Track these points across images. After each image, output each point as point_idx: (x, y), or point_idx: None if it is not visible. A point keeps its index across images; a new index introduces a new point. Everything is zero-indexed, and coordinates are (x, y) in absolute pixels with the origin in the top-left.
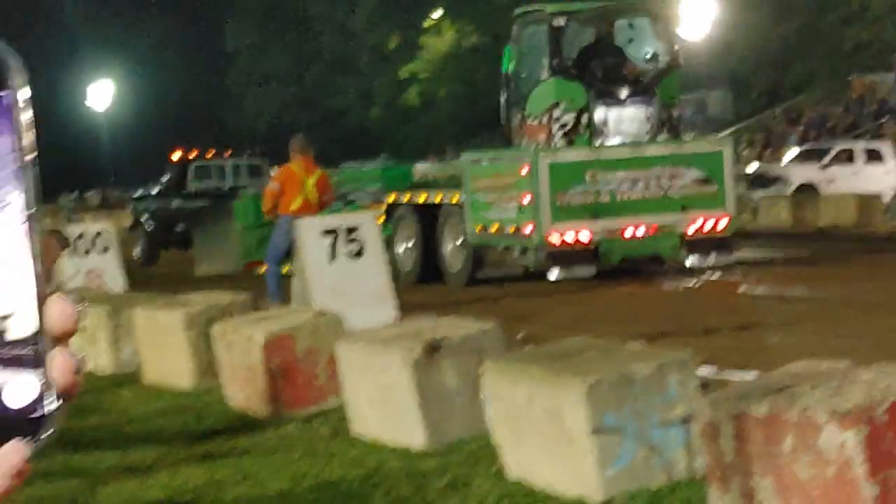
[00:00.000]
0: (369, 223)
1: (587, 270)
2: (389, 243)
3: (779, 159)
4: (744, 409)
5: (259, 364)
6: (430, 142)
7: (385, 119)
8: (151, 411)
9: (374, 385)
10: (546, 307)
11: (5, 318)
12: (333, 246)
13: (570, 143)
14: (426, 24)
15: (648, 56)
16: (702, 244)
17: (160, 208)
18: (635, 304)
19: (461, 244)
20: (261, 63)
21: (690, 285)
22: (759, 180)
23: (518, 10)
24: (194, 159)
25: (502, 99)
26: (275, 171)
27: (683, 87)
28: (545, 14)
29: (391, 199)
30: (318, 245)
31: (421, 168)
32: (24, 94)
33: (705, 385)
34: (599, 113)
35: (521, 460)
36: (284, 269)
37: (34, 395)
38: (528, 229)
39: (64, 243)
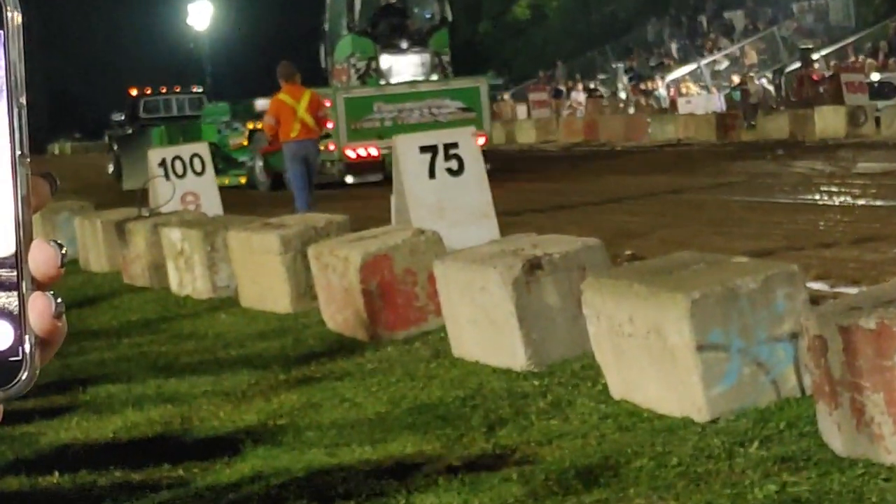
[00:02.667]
0: (468, 139)
1: (375, 177)
2: (252, 164)
3: None
4: (852, 322)
5: (356, 285)
6: (541, 57)
7: (493, 34)
8: (248, 335)
9: (474, 305)
10: (658, 223)
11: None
12: (432, 163)
13: (364, 83)
14: None
15: (428, 16)
16: None
17: (121, 135)
18: (752, 218)
19: None
20: None
21: (811, 198)
22: (881, 90)
23: None
24: (146, 94)
25: (321, 48)
26: (266, 104)
27: None
28: None
29: (250, 125)
30: (417, 162)
31: (259, 102)
32: (18, 33)
33: (815, 299)
34: (385, 60)
35: (624, 379)
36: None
37: (13, 337)
38: (332, 147)
39: (54, 186)
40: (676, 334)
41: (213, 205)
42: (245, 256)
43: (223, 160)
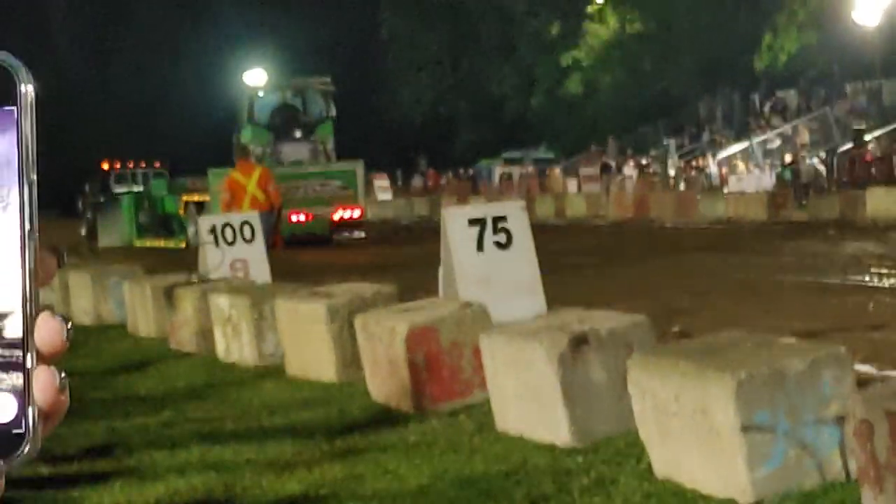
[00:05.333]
0: (518, 212)
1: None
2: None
3: None
4: None
5: (402, 357)
6: (592, 132)
7: (545, 107)
8: (293, 404)
9: (520, 379)
10: (707, 302)
11: (5, 316)
12: (480, 235)
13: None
14: (589, 9)
15: (316, 112)
16: (344, 226)
17: (93, 203)
18: (801, 298)
19: None
20: (416, 50)
21: (860, 279)
22: None
23: (240, 83)
24: (116, 169)
25: (235, 136)
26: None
27: (857, 77)
28: (246, 88)
29: (185, 198)
30: (465, 235)
31: (189, 182)
32: (31, 109)
33: (863, 382)
34: (279, 147)
35: (668, 458)
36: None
37: (17, 409)
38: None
39: (62, 260)
40: (722, 414)
41: (261, 272)
42: (292, 325)
43: (178, 225)
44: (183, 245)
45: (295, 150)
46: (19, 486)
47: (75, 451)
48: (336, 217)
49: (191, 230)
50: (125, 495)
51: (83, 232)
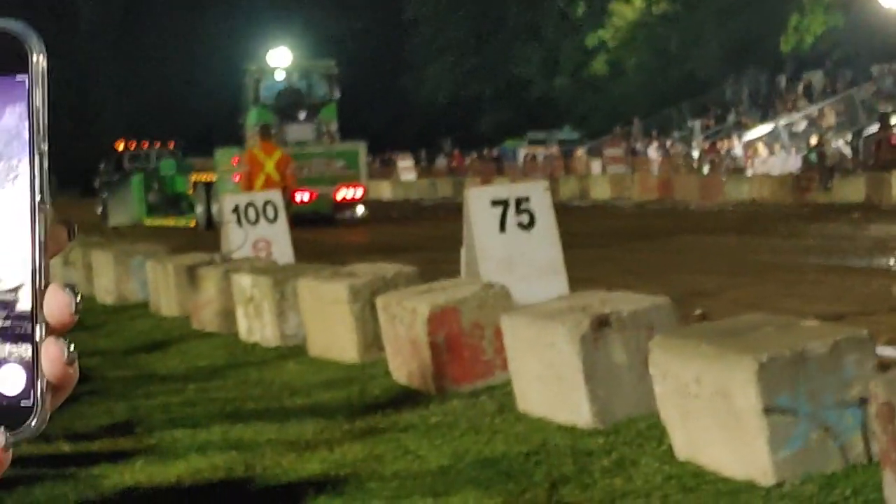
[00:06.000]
0: (541, 193)
1: None
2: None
3: None
4: None
5: (423, 337)
6: (617, 113)
7: (570, 88)
8: (314, 384)
9: (541, 360)
10: (729, 284)
11: (17, 289)
12: (503, 216)
13: None
14: None
15: (320, 93)
16: (347, 205)
17: (106, 181)
18: (824, 280)
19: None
20: (441, 31)
21: (885, 262)
22: None
23: (245, 66)
24: (130, 148)
25: (240, 117)
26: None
27: (883, 59)
28: (251, 70)
29: (194, 177)
30: (487, 215)
31: (197, 162)
32: (43, 78)
33: (886, 365)
34: (284, 128)
35: (689, 440)
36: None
37: (25, 382)
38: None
39: (73, 233)
40: (743, 397)
41: (284, 252)
42: (314, 305)
43: (187, 205)
44: (192, 224)
45: (299, 131)
46: (41, 464)
47: (97, 429)
48: (339, 196)
49: (199, 209)
50: (146, 474)
51: (98, 211)
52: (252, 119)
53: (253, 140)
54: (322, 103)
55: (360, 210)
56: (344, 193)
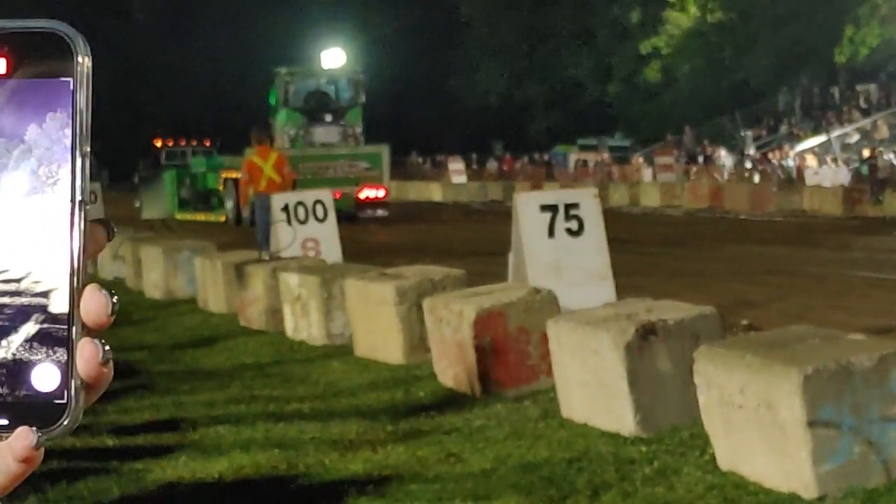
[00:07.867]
0: (590, 199)
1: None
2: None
3: None
4: None
5: (469, 341)
6: (669, 121)
7: (623, 95)
8: (359, 384)
9: (585, 367)
10: (778, 295)
11: (54, 290)
12: (552, 222)
13: (293, 146)
14: None
15: (346, 97)
16: (369, 205)
17: (145, 177)
18: (873, 294)
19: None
20: (493, 35)
21: None
22: None
23: (275, 70)
24: (168, 145)
25: (270, 118)
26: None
27: None
28: (282, 74)
29: (224, 174)
30: (536, 220)
31: (227, 160)
32: (87, 81)
33: None
34: (311, 129)
35: (732, 451)
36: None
37: (60, 380)
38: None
39: (111, 233)
40: (787, 409)
41: (332, 252)
42: (361, 305)
43: (217, 200)
44: (222, 219)
45: (326, 133)
46: (85, 457)
47: (141, 423)
48: (362, 196)
49: (228, 205)
50: (189, 469)
51: (136, 205)
52: (281, 120)
53: (279, 141)
54: (348, 107)
55: (381, 210)
56: (367, 193)
